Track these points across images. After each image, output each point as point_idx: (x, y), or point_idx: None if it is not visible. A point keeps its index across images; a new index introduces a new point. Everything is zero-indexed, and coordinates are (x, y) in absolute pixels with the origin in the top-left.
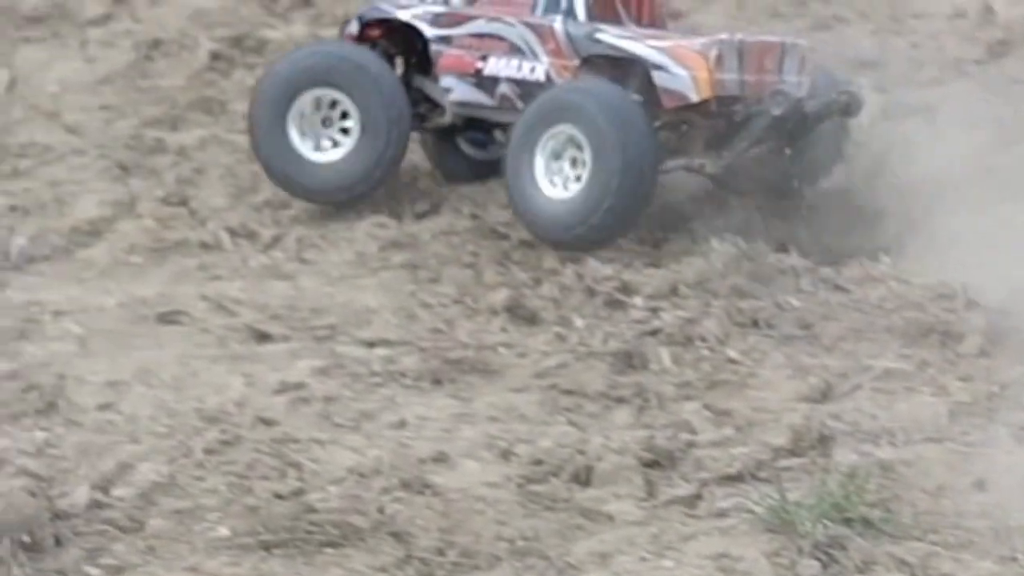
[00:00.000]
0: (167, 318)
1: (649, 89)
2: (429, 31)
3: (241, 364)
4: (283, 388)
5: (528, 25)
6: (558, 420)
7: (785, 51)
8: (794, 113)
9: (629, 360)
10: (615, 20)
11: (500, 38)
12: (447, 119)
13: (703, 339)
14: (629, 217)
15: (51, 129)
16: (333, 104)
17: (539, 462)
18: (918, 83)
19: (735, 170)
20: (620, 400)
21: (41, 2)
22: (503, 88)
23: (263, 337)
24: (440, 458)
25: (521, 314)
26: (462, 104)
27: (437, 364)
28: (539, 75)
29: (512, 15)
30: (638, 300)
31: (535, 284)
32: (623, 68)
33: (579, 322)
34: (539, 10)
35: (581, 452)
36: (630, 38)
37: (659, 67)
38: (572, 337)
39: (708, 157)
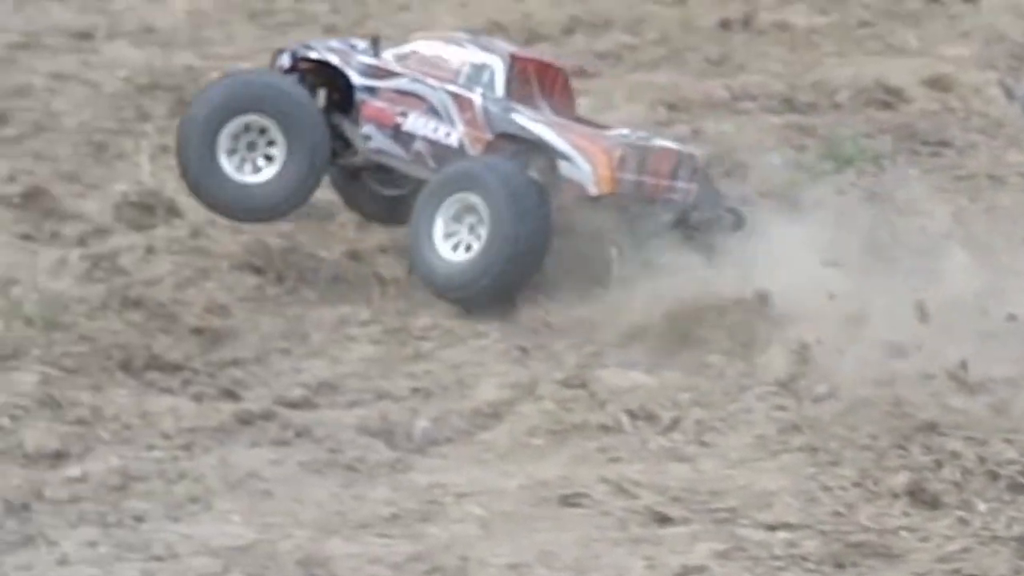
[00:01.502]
0: (568, 500)
1: (552, 174)
2: (357, 79)
3: (642, 547)
4: (684, 571)
5: (450, 92)
6: None
7: (681, 160)
8: (680, 221)
9: None
10: (530, 101)
11: (422, 98)
12: (359, 160)
13: None
14: (518, 282)
15: (451, 312)
16: (261, 130)
17: None
18: None
19: None
20: None
21: None
22: (418, 145)
23: (663, 520)
24: None
25: (922, 497)
26: (378, 152)
27: (839, 548)
28: (453, 140)
29: (436, 79)
30: None
31: (936, 467)
32: (531, 149)
33: (982, 506)
34: (462, 79)
35: None
36: (542, 123)
37: (565, 157)
38: (975, 521)
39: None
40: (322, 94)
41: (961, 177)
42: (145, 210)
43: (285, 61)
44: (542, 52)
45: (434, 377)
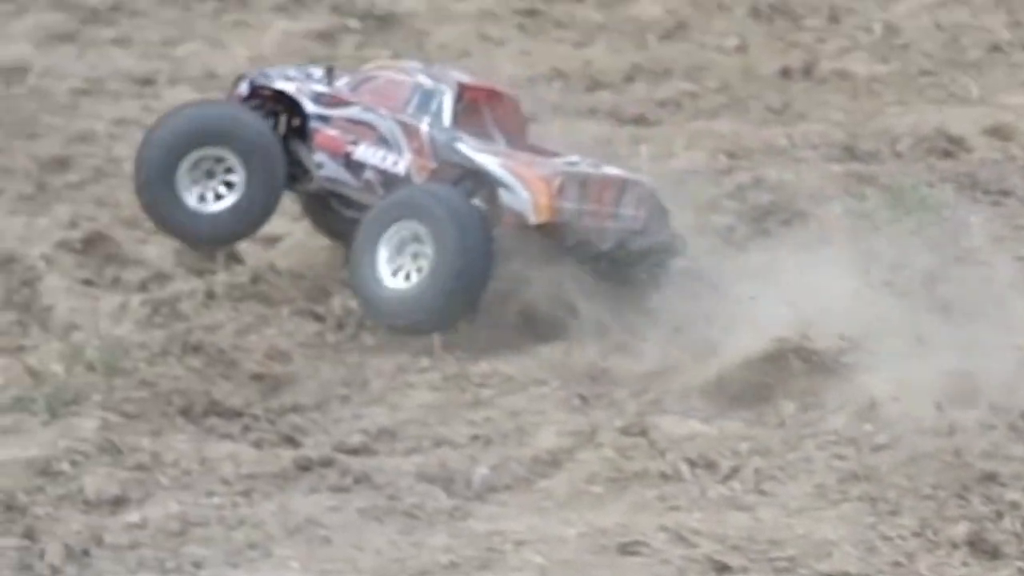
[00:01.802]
0: (627, 549)
1: (493, 202)
2: (310, 107)
3: None
4: None
5: (398, 121)
6: None
7: (626, 187)
8: (620, 248)
9: None
10: (481, 129)
11: (372, 127)
12: (314, 187)
13: None
14: (462, 309)
15: (510, 359)
16: (217, 159)
17: None
18: None
19: None
20: None
21: None
22: (368, 174)
23: (722, 568)
24: None
25: (983, 547)
26: (330, 180)
27: None
28: (400, 169)
29: (386, 108)
30: None
31: (996, 517)
32: (474, 177)
33: None
34: (411, 109)
35: None
36: (485, 152)
37: (505, 186)
38: None
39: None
40: (283, 121)
41: (1022, 226)
42: (205, 256)
43: (243, 89)
44: (493, 81)
45: (493, 424)
